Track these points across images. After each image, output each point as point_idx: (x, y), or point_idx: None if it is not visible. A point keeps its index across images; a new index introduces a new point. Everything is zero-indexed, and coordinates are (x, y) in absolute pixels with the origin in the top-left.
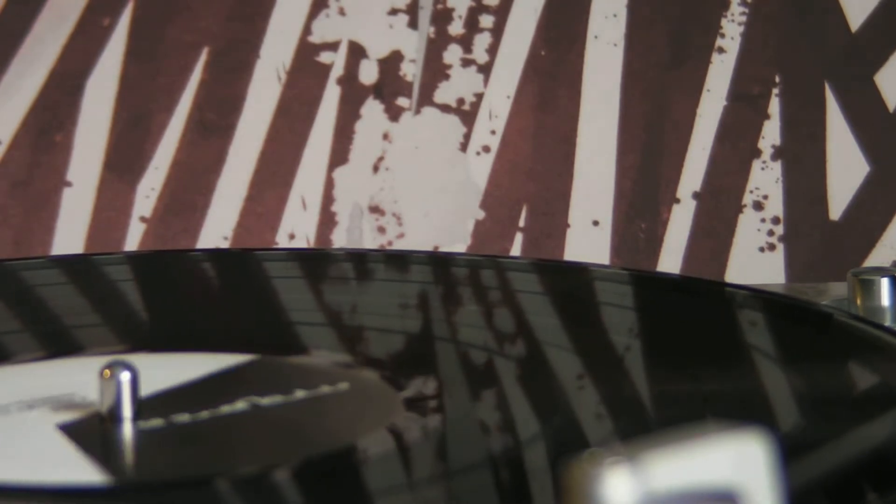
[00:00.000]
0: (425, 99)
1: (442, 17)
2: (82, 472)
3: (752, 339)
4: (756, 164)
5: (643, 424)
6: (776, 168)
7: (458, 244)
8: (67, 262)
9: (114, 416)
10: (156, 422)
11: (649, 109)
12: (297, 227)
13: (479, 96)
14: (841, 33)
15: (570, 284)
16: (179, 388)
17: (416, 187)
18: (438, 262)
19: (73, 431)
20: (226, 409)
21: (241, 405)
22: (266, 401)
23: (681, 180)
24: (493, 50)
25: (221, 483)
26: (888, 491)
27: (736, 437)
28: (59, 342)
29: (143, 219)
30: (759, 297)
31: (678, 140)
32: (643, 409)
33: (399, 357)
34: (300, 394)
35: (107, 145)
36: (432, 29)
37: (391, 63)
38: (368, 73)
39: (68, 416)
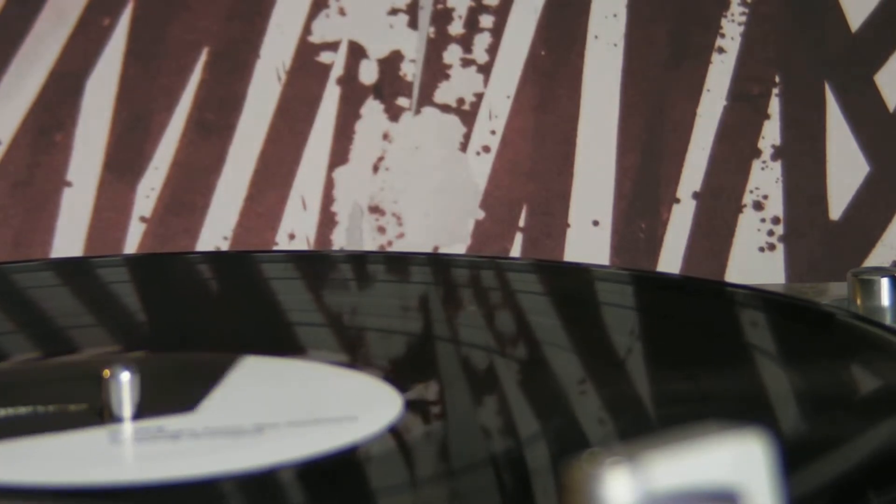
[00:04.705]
0: (425, 99)
1: (442, 17)
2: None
3: (752, 338)
4: (756, 164)
5: (643, 424)
6: (776, 168)
7: (458, 244)
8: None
9: (113, 415)
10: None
11: (649, 109)
12: (297, 227)
13: (479, 96)
14: (841, 33)
15: (570, 285)
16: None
17: (416, 187)
18: (438, 263)
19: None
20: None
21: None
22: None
23: (681, 180)
24: (493, 50)
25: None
26: (889, 491)
27: (736, 437)
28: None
29: (143, 219)
30: (760, 296)
31: (678, 140)
32: (643, 409)
33: (399, 358)
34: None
35: (107, 145)
36: (432, 29)
37: (391, 63)
38: (368, 73)
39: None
